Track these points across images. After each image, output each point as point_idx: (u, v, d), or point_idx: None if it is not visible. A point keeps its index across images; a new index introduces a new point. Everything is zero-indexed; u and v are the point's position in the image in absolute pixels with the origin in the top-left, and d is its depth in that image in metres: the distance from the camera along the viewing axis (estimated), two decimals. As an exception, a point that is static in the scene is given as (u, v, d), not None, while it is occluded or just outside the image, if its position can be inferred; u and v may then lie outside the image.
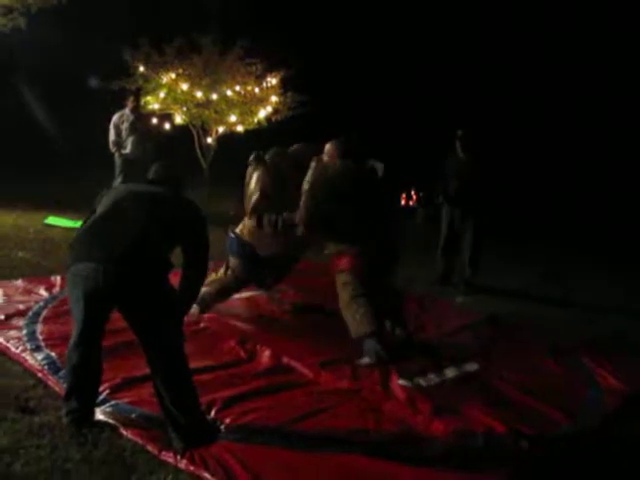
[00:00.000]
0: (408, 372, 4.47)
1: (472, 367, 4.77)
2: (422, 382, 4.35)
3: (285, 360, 4.57)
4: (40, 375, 4.01)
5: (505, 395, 4.29)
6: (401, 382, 4.27)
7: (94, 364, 3.45)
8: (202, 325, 5.32)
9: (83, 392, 3.44)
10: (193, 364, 4.03)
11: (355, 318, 4.80)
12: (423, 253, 8.38)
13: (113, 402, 3.69)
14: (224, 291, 5.62)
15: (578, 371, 4.91)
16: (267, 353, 4.67)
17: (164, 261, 3.40)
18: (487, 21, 16.48)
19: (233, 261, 5.56)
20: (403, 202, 19.62)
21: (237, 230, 5.60)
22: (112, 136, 9.66)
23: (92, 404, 3.49)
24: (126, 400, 3.73)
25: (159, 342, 3.34)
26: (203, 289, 5.02)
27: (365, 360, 4.65)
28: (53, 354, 4.28)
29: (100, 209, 3.49)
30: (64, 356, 4.17)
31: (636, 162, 14.26)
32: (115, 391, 3.81)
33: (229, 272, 5.58)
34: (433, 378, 4.45)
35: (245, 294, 6.12)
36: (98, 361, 3.47)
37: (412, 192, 19.36)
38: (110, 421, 3.47)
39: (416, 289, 7.04)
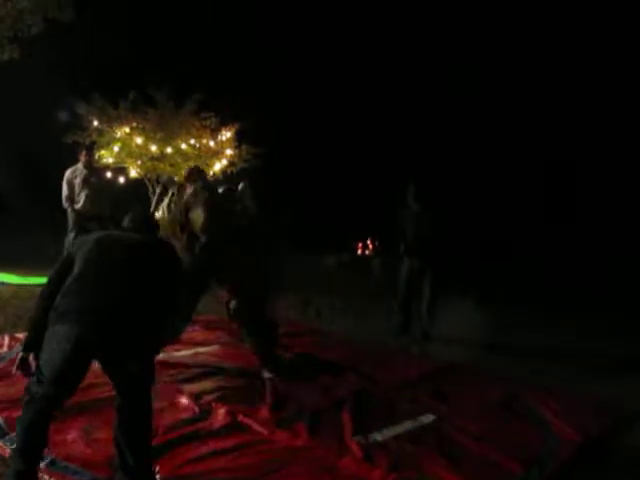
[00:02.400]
0: (364, 427, 4.43)
1: (428, 418, 4.76)
2: (378, 437, 4.32)
3: (240, 417, 4.49)
4: (-15, 440, 3.86)
5: (462, 446, 4.28)
6: (357, 438, 4.23)
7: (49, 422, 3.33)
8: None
9: (34, 453, 3.32)
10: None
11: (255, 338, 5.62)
12: (379, 303, 8.42)
13: (63, 464, 3.56)
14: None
15: (534, 420, 4.94)
16: (222, 410, 4.58)
17: (157, 315, 3.42)
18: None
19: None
20: (359, 252, 19.82)
21: None
22: (65, 191, 9.51)
23: (37, 465, 3.36)
24: (77, 463, 3.59)
25: (137, 395, 3.36)
26: None
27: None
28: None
29: (84, 262, 3.37)
30: (11, 419, 4.05)
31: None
32: (65, 452, 3.68)
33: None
34: (389, 432, 4.42)
35: (200, 349, 6.03)
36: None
37: (368, 242, 19.58)
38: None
39: (373, 339, 7.04)
